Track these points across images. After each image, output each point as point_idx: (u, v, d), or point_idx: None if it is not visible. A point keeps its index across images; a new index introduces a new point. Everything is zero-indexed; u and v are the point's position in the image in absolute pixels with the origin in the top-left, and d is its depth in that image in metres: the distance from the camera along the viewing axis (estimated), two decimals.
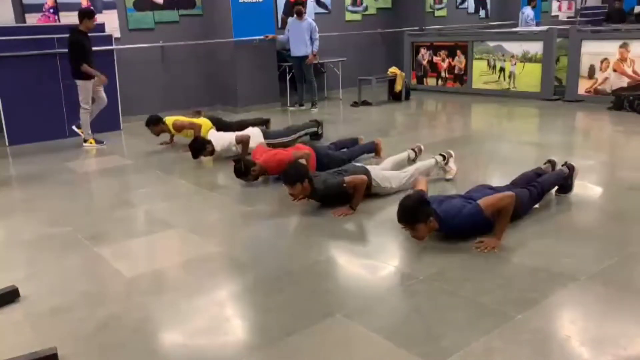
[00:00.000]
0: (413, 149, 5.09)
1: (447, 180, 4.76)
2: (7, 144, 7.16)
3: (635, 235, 3.54)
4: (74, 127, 7.18)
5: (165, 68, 8.95)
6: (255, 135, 5.95)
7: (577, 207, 4.13)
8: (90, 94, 6.88)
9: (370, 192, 4.35)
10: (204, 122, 6.56)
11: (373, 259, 3.38)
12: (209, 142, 5.88)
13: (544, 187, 3.99)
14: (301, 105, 9.37)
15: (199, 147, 5.80)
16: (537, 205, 3.98)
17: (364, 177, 4.17)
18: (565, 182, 4.20)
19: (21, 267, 3.53)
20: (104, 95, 7.09)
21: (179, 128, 6.56)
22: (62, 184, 5.40)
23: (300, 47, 8.90)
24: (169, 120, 6.65)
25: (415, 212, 3.30)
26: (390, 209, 4.24)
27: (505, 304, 2.72)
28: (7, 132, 7.17)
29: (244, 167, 4.86)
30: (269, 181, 5.08)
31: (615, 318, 2.60)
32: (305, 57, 8.92)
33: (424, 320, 2.65)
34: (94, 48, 7.55)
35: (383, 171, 4.56)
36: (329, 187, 4.12)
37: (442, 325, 2.58)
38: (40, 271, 3.43)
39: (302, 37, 8.85)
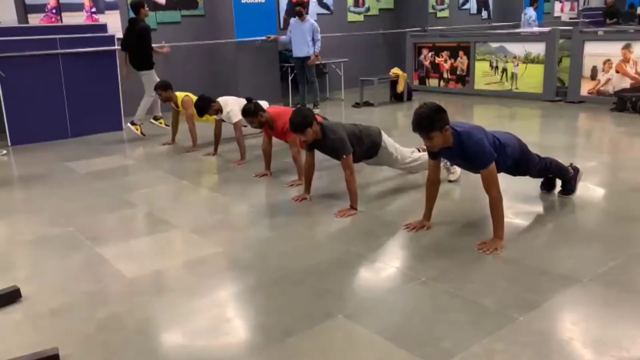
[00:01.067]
0: (418, 149, 5.09)
1: (450, 181, 4.75)
2: (9, 144, 7.17)
3: (638, 237, 3.53)
4: (129, 125, 7.33)
5: (167, 69, 8.95)
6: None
7: (580, 209, 4.12)
8: (153, 83, 7.03)
9: (376, 153, 4.40)
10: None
11: (375, 260, 3.38)
12: (215, 101, 5.86)
13: (551, 162, 4.03)
14: (303, 106, 9.36)
15: (205, 105, 5.78)
16: (540, 204, 3.97)
17: (354, 177, 4.15)
18: (568, 183, 4.19)
19: (22, 267, 3.54)
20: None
21: (187, 105, 6.41)
22: (63, 184, 5.40)
23: (302, 47, 8.90)
24: (180, 94, 6.57)
25: (432, 119, 3.24)
26: (392, 209, 4.25)
27: (507, 306, 2.71)
28: (9, 133, 7.18)
29: (254, 108, 4.86)
30: (271, 181, 5.08)
31: (618, 320, 2.59)
32: (307, 57, 8.92)
33: (426, 321, 2.65)
34: (96, 48, 7.60)
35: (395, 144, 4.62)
36: (336, 138, 4.10)
37: (444, 326, 2.58)
38: (42, 271, 3.44)
39: (303, 37, 8.85)
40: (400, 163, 4.67)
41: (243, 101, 5.51)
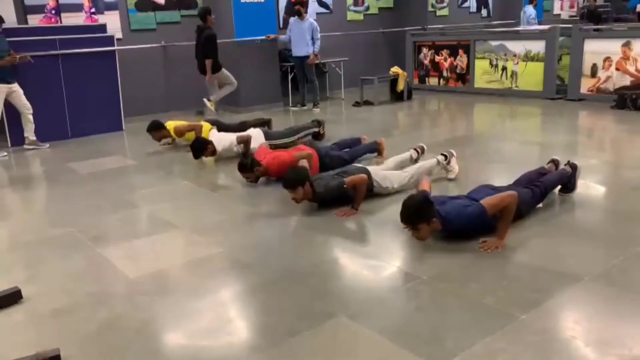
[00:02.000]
0: (416, 149, 5.08)
1: (450, 180, 4.75)
2: (9, 145, 7.17)
3: (639, 235, 3.52)
4: (205, 100, 8.19)
5: (167, 68, 8.95)
6: (256, 136, 5.94)
7: (581, 207, 4.11)
8: (230, 76, 8.18)
9: (372, 193, 4.35)
10: (204, 124, 6.56)
11: (376, 260, 3.37)
12: (210, 142, 5.87)
13: (546, 186, 3.98)
14: (303, 105, 9.37)
15: (200, 147, 5.79)
16: (540, 205, 3.97)
17: (364, 176, 4.17)
18: (568, 182, 4.19)
19: (24, 268, 3.53)
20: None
21: (180, 132, 6.55)
22: (64, 184, 5.40)
23: (301, 47, 8.91)
24: (170, 125, 6.66)
25: (418, 213, 3.29)
26: (392, 209, 4.23)
27: (509, 305, 2.71)
28: (9, 134, 7.18)
29: (250, 162, 4.86)
30: (271, 182, 5.07)
31: (620, 318, 2.58)
32: (307, 57, 8.92)
33: (428, 320, 2.64)
34: (95, 49, 7.61)
35: (383, 171, 4.55)
36: (330, 189, 4.12)
37: (446, 326, 2.58)
38: (43, 272, 3.44)
39: (303, 37, 8.86)
40: (399, 187, 4.54)
41: (233, 136, 5.82)
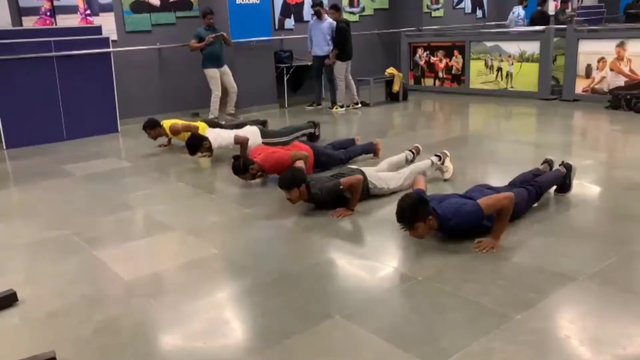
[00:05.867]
0: (411, 150, 5.09)
1: (445, 180, 4.76)
2: (4, 147, 7.15)
3: (634, 235, 3.54)
4: (331, 109, 8.98)
5: (162, 70, 8.94)
6: (253, 134, 5.92)
7: (576, 207, 4.13)
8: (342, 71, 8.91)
9: (369, 195, 4.35)
10: (200, 124, 6.55)
11: (372, 260, 3.38)
12: (206, 138, 5.85)
13: (542, 186, 3.99)
14: (318, 105, 9.38)
15: (196, 143, 5.78)
16: (535, 205, 3.99)
17: (360, 176, 4.18)
18: (563, 182, 4.20)
19: (19, 270, 3.52)
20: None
21: (176, 131, 6.53)
22: (59, 186, 5.39)
23: (322, 46, 8.98)
24: (166, 124, 6.64)
25: (414, 212, 3.29)
26: (388, 209, 4.25)
27: (504, 304, 2.72)
28: (4, 136, 7.16)
29: (242, 164, 4.85)
30: (267, 183, 5.07)
31: (615, 317, 2.60)
32: (326, 56, 8.99)
33: (423, 321, 2.65)
34: (90, 50, 7.59)
35: (379, 173, 4.56)
36: (326, 191, 4.12)
37: (441, 326, 2.58)
38: (39, 275, 3.43)
39: (323, 37, 8.95)
40: (394, 188, 4.54)
41: (231, 133, 5.72)
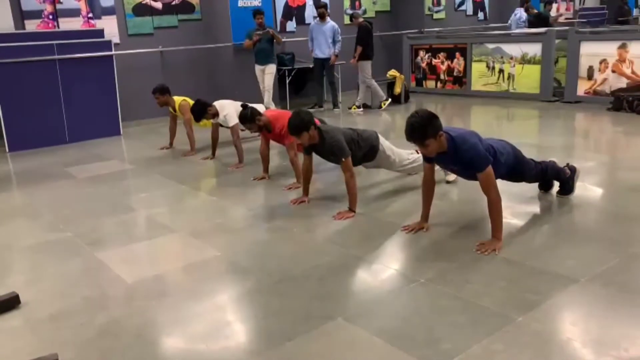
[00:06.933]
0: (417, 150, 5.08)
1: (448, 182, 4.76)
2: (7, 150, 7.17)
3: (637, 237, 3.54)
4: (350, 109, 9.11)
5: (164, 73, 8.95)
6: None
7: (578, 209, 4.12)
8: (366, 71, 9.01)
9: (373, 157, 4.40)
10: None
11: (374, 262, 3.38)
12: (211, 105, 5.87)
13: (547, 166, 4.03)
14: (320, 106, 9.41)
15: (201, 109, 5.81)
16: (538, 205, 3.98)
17: (354, 178, 4.15)
18: (566, 183, 4.20)
19: (22, 273, 3.53)
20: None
21: (184, 110, 6.41)
22: (62, 189, 5.40)
23: (323, 49, 9.03)
24: (177, 98, 6.61)
25: (425, 128, 3.24)
26: (390, 211, 4.26)
27: (506, 306, 2.72)
28: (7, 139, 7.18)
29: (250, 113, 4.86)
30: (268, 183, 5.08)
31: (617, 320, 2.59)
32: (328, 58, 9.05)
33: (425, 323, 2.65)
34: (93, 54, 7.61)
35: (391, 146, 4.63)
36: (334, 142, 4.09)
37: (443, 328, 2.58)
38: (41, 277, 3.43)
39: (325, 39, 9.00)
40: (398, 165, 4.69)
41: (239, 105, 5.52)
